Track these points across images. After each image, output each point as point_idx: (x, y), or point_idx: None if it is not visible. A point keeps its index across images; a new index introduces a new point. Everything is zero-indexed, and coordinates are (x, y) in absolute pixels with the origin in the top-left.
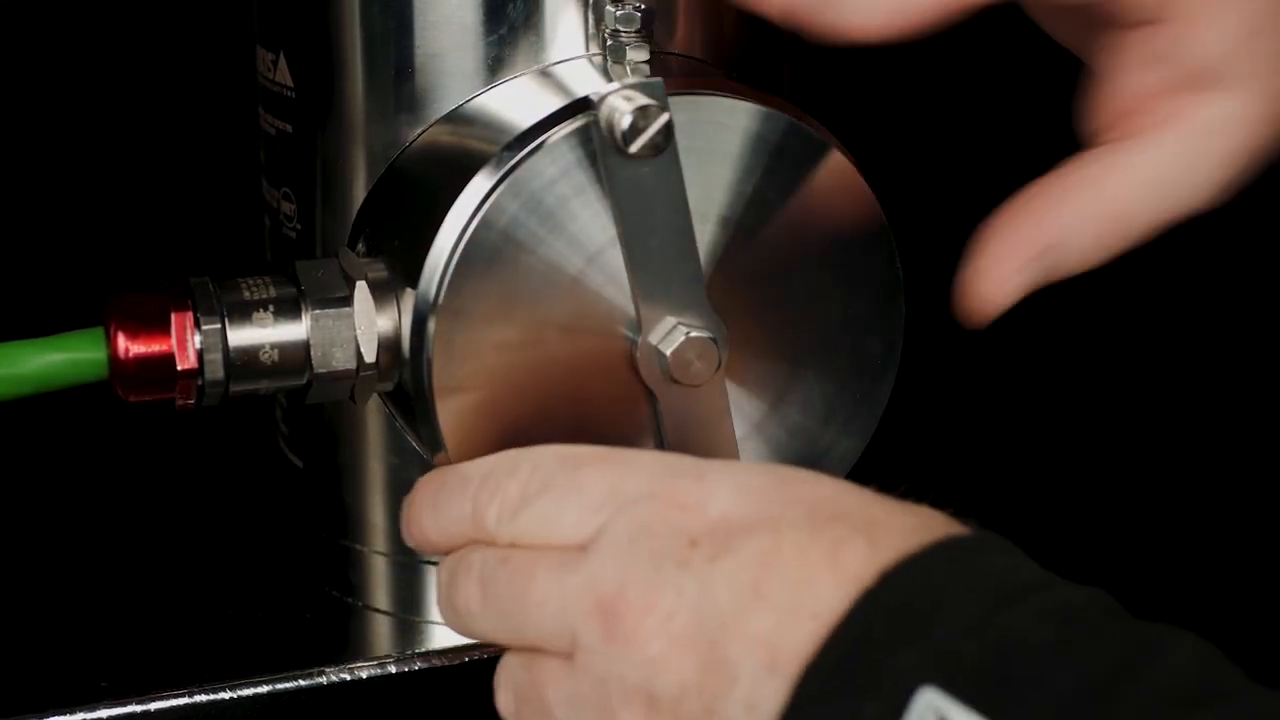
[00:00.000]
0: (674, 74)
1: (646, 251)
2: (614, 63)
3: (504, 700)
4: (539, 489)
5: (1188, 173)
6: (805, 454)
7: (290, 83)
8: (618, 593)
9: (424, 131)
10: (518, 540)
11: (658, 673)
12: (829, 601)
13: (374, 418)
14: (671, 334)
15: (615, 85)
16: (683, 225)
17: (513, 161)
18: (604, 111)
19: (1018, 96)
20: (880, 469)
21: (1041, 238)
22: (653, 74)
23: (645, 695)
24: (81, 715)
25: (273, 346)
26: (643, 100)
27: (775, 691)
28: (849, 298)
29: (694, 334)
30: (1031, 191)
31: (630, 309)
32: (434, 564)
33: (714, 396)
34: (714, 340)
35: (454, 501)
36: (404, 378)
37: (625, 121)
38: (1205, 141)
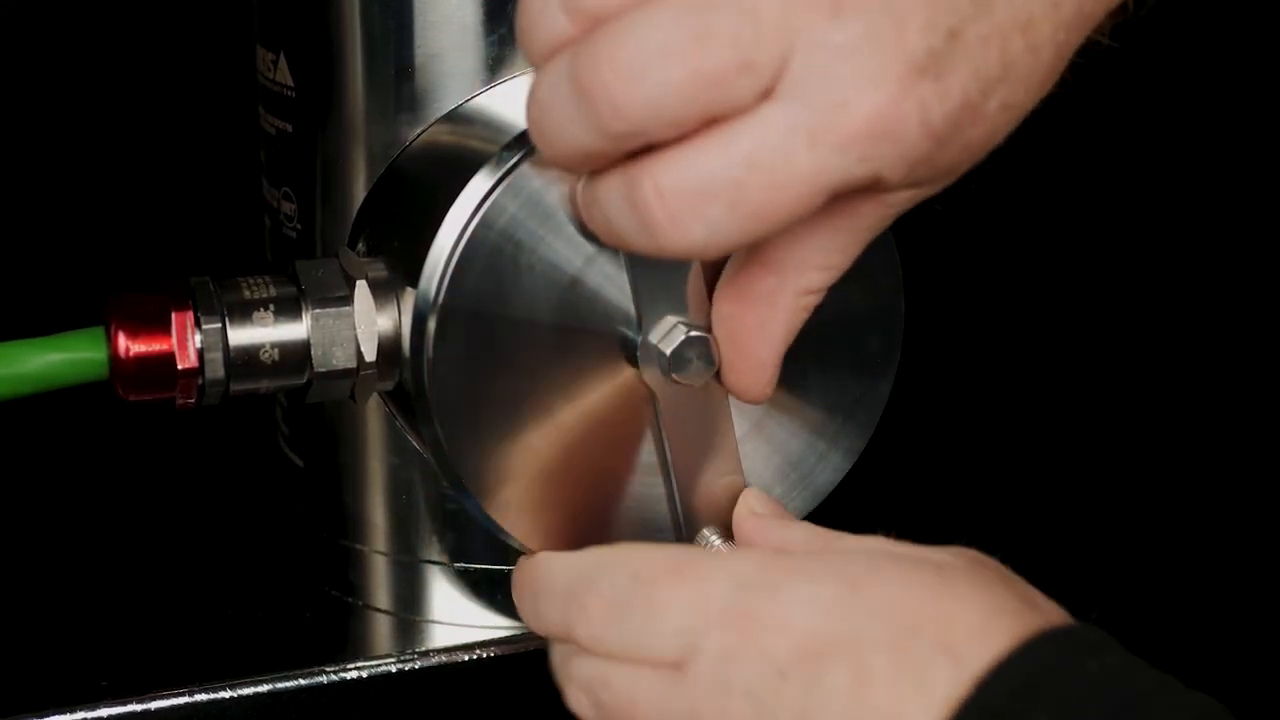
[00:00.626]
0: None
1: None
2: None
3: None
4: (620, 613)
5: None
6: (805, 453)
7: (290, 83)
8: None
9: (424, 131)
10: (612, 656)
11: None
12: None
13: (374, 418)
14: (672, 333)
15: None
16: None
17: (512, 161)
18: None
19: None
20: (879, 469)
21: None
22: None
23: None
24: (81, 715)
25: (273, 346)
26: None
27: None
28: (848, 296)
29: (694, 333)
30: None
31: (630, 308)
32: (434, 563)
33: (714, 396)
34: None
35: (547, 610)
36: (404, 377)
37: None
38: None
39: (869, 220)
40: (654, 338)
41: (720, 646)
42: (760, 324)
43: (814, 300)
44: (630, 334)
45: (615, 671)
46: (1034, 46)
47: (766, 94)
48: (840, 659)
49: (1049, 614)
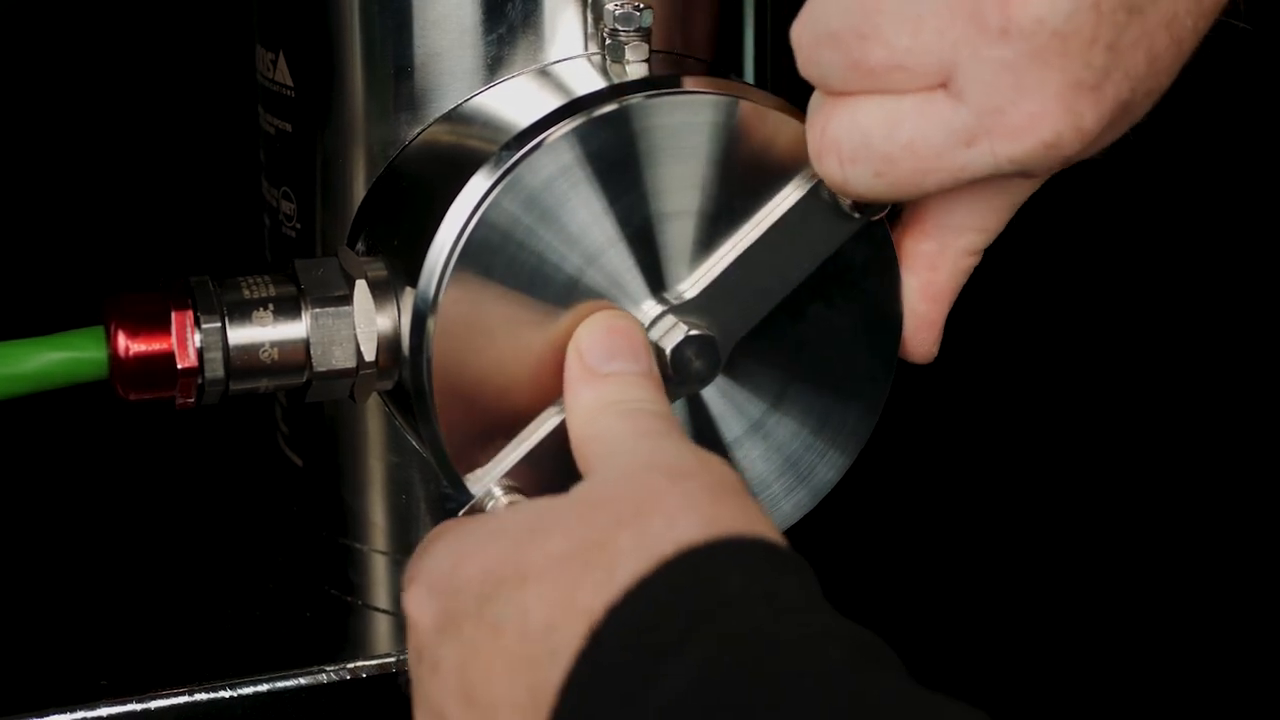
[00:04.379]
0: (670, 73)
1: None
2: (613, 62)
3: None
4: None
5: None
6: (805, 453)
7: (290, 82)
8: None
9: (423, 131)
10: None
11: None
12: (511, 688)
13: (374, 417)
14: (671, 331)
15: None
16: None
17: (512, 160)
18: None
19: None
20: (879, 469)
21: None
22: (650, 73)
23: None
24: (81, 714)
25: (272, 345)
26: None
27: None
28: (848, 297)
29: (694, 331)
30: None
31: (629, 306)
32: None
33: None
34: (713, 338)
35: None
36: (404, 376)
37: None
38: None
39: (1023, 190)
40: (654, 335)
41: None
42: (924, 286)
43: (973, 261)
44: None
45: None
46: (1177, 39)
47: (934, 87)
48: (445, 640)
49: (744, 526)
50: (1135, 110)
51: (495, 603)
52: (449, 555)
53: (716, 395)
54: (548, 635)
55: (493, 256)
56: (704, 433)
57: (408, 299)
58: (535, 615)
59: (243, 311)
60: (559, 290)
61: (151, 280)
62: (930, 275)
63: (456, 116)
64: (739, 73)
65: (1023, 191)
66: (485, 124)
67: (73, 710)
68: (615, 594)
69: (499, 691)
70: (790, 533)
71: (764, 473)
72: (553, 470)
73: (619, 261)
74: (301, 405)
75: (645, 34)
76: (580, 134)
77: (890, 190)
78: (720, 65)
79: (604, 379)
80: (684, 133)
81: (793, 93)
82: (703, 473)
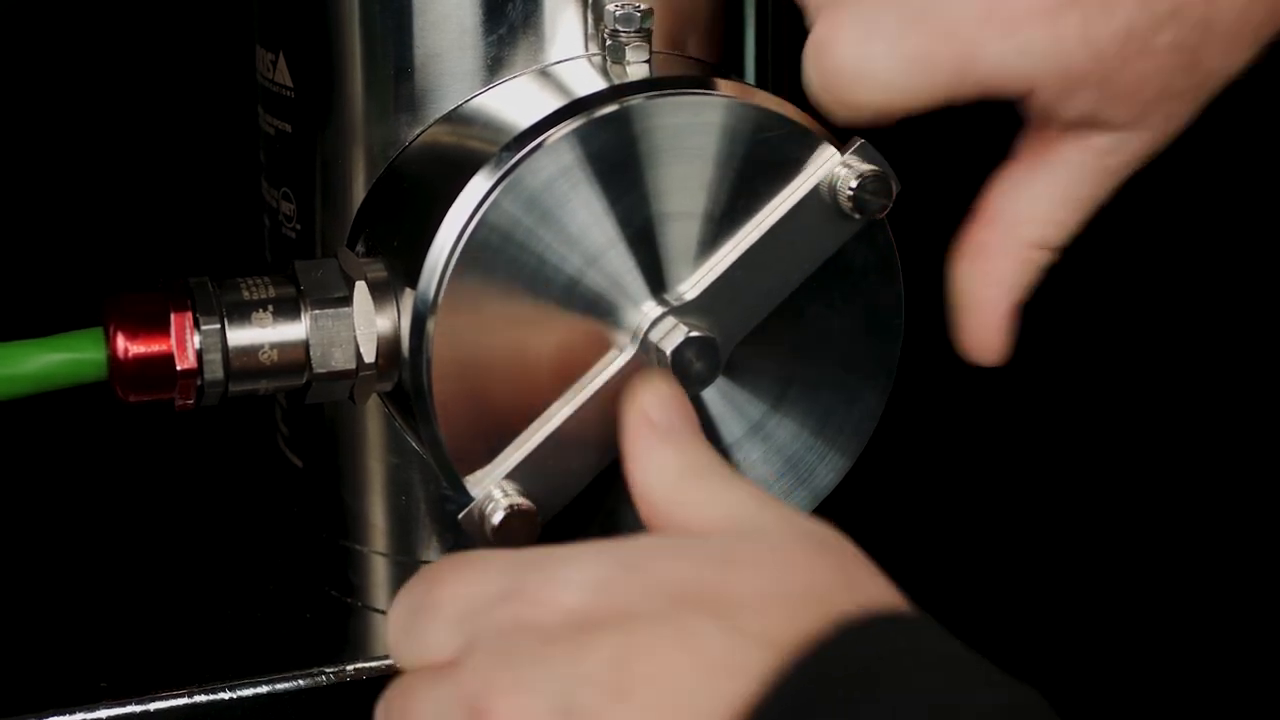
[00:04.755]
0: (671, 73)
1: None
2: (613, 62)
3: None
4: (407, 619)
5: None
6: (805, 453)
7: (290, 83)
8: (484, 694)
9: (423, 131)
10: (396, 657)
11: None
12: (694, 695)
13: (374, 418)
14: (672, 333)
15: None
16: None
17: (512, 161)
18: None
19: None
20: (879, 469)
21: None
22: (651, 73)
23: None
24: (81, 715)
25: (272, 346)
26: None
27: None
28: (848, 296)
29: (694, 333)
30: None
31: (629, 307)
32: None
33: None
34: (714, 340)
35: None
36: (403, 378)
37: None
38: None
39: (1083, 171)
40: (655, 336)
41: (489, 626)
42: (985, 278)
43: (1043, 256)
44: (630, 332)
45: (403, 683)
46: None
47: None
48: (607, 630)
49: (867, 597)
50: (1160, 61)
51: (689, 614)
52: (648, 551)
53: (717, 396)
54: (734, 654)
55: (493, 257)
56: (705, 434)
57: (408, 300)
58: (720, 641)
59: (242, 313)
60: (559, 291)
61: (151, 281)
62: (991, 266)
63: (457, 117)
64: (740, 73)
65: (1088, 175)
66: (485, 125)
67: (72, 712)
68: (818, 637)
69: (669, 695)
70: None
71: (764, 474)
72: (554, 472)
73: (619, 262)
74: (301, 407)
75: (646, 34)
76: (581, 135)
77: (903, 77)
78: (721, 66)
79: (682, 441)
80: (685, 133)
81: (794, 93)
82: (841, 547)
